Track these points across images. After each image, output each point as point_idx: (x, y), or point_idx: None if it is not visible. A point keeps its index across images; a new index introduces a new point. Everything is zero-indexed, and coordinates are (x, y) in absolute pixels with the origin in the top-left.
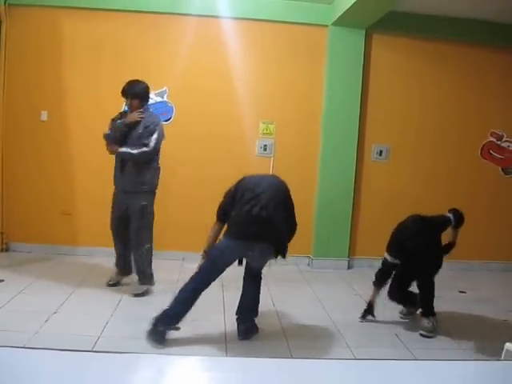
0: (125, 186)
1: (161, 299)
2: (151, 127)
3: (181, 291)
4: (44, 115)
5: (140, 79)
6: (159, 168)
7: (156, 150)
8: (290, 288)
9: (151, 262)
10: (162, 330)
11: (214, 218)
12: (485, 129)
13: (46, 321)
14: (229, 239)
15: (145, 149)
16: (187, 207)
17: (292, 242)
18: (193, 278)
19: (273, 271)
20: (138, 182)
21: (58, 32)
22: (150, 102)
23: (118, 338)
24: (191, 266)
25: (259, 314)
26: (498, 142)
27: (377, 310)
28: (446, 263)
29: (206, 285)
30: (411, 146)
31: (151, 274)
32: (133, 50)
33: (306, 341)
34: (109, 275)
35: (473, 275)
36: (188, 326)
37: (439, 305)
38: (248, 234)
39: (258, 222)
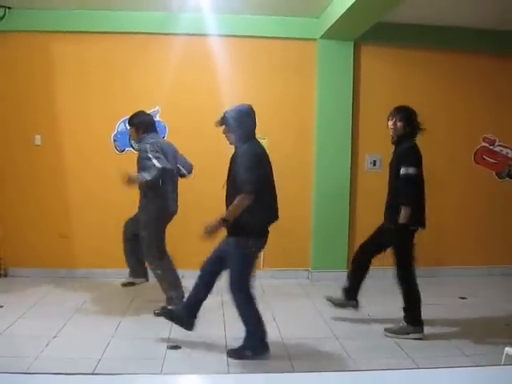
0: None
1: (161, 319)
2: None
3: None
4: (38, 139)
5: (143, 110)
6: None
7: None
8: (291, 302)
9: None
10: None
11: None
12: (477, 134)
13: (47, 345)
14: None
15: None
16: (185, 224)
17: (290, 254)
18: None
19: (272, 285)
20: None
21: (49, 56)
22: None
23: (119, 360)
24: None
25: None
26: (491, 147)
27: (377, 321)
28: (446, 269)
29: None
30: None
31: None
32: (123, 71)
33: (308, 355)
34: (107, 296)
35: (473, 280)
36: (188, 343)
37: (440, 312)
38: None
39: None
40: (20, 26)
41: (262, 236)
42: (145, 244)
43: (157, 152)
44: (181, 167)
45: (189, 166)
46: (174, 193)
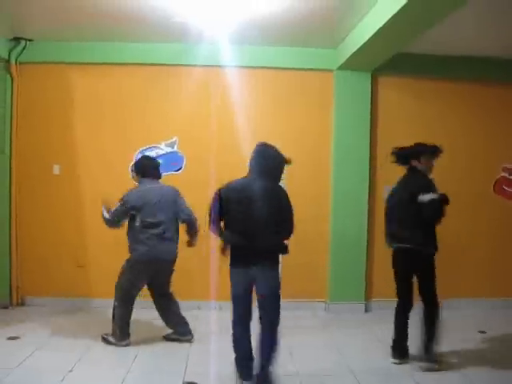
0: None
1: (177, 351)
2: None
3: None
4: (56, 169)
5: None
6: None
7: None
8: (307, 335)
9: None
10: None
11: (224, 265)
12: (496, 164)
13: (62, 380)
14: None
15: None
16: (200, 255)
17: (307, 286)
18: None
19: (289, 317)
20: None
21: (67, 87)
22: (161, 152)
23: None
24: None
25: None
26: (511, 177)
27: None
28: (468, 301)
29: None
30: None
31: None
32: (140, 102)
33: None
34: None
35: (496, 314)
36: (204, 378)
37: (457, 346)
38: None
39: None
40: (39, 57)
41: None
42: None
43: (122, 202)
44: (181, 213)
45: (185, 214)
46: (165, 240)
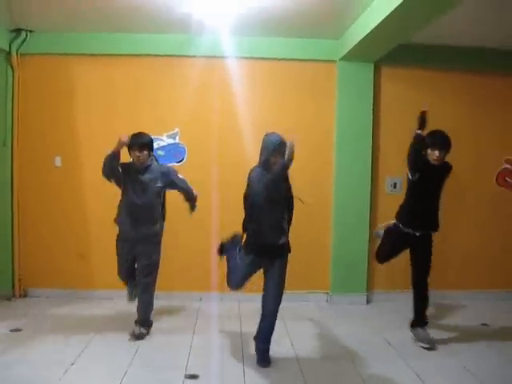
0: None
1: (179, 344)
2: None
3: None
4: (58, 161)
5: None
6: None
7: None
8: (309, 327)
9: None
10: None
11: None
12: (499, 156)
13: (65, 373)
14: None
15: None
16: (202, 248)
17: (310, 277)
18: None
19: (291, 308)
20: None
21: (68, 78)
22: (162, 143)
23: None
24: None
25: (277, 355)
26: None
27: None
28: (470, 293)
29: None
30: None
31: None
32: (144, 93)
33: (323, 375)
34: (126, 319)
35: (499, 305)
36: (206, 372)
37: (458, 339)
38: None
39: None
40: (41, 48)
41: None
42: None
43: None
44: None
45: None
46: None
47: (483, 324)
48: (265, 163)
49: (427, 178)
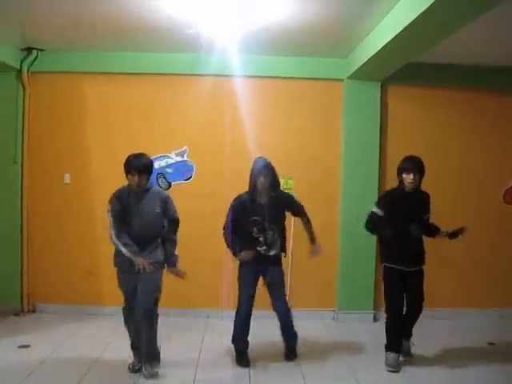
0: None
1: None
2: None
3: None
4: (67, 178)
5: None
6: None
7: None
8: (315, 344)
9: None
10: None
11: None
12: (506, 174)
13: None
14: None
15: None
16: (210, 264)
17: (316, 295)
18: None
19: (297, 326)
20: None
21: (78, 96)
22: (171, 161)
23: None
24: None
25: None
26: None
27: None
28: (479, 311)
29: None
30: (432, 195)
31: None
32: (153, 112)
33: None
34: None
35: (508, 324)
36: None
37: (465, 358)
38: None
39: None
40: (51, 67)
41: None
42: None
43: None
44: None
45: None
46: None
47: None
48: (253, 187)
49: (403, 213)
